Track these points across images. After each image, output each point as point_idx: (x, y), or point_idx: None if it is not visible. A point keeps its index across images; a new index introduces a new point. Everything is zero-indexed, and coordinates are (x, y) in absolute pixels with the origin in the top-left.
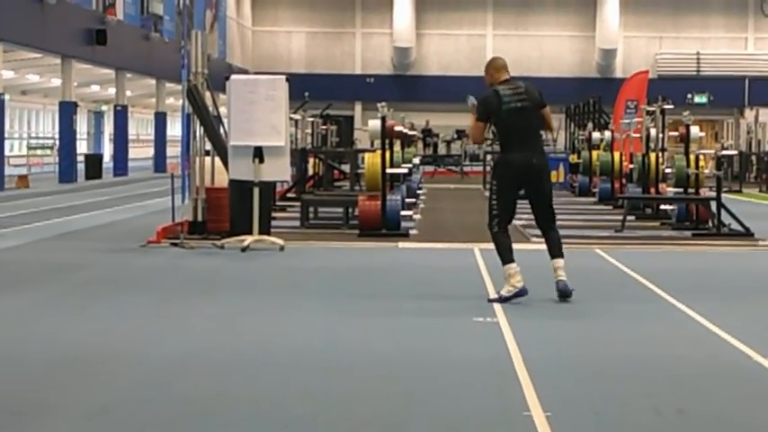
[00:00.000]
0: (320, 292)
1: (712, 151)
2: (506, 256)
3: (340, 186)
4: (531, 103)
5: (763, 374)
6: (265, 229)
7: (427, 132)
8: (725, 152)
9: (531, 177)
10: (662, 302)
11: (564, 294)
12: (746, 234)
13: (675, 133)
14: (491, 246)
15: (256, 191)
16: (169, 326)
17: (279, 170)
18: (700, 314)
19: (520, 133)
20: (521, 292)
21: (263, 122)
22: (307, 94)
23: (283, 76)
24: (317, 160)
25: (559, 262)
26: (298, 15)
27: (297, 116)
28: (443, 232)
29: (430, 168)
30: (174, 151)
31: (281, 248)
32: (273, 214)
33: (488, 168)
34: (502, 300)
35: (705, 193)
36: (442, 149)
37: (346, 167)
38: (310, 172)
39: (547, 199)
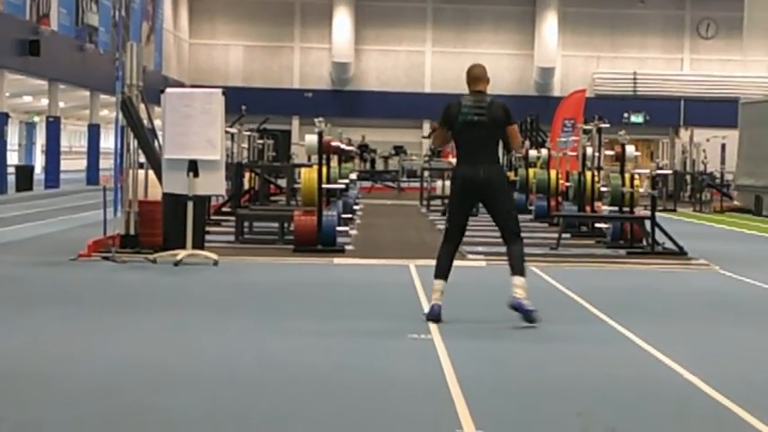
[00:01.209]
0: (253, 307)
1: (647, 170)
2: (437, 269)
3: (276, 201)
4: (489, 119)
5: (693, 392)
6: (199, 244)
7: (365, 148)
8: (660, 171)
9: (481, 191)
10: (595, 321)
11: (524, 315)
12: (680, 253)
13: (611, 152)
14: (427, 262)
15: (190, 205)
16: (98, 341)
17: (214, 184)
18: (632, 333)
19: (471, 147)
20: (431, 311)
21: (199, 136)
22: (244, 107)
23: (219, 90)
24: (253, 175)
25: (516, 280)
26: (235, 29)
27: (233, 130)
28: (379, 248)
29: (367, 184)
30: (107, 164)
31: (215, 263)
32: (208, 229)
33: (425, 185)
34: (426, 318)
35: (640, 211)
36: (379, 165)
37: (283, 182)
38: (246, 186)
39: (501, 208)
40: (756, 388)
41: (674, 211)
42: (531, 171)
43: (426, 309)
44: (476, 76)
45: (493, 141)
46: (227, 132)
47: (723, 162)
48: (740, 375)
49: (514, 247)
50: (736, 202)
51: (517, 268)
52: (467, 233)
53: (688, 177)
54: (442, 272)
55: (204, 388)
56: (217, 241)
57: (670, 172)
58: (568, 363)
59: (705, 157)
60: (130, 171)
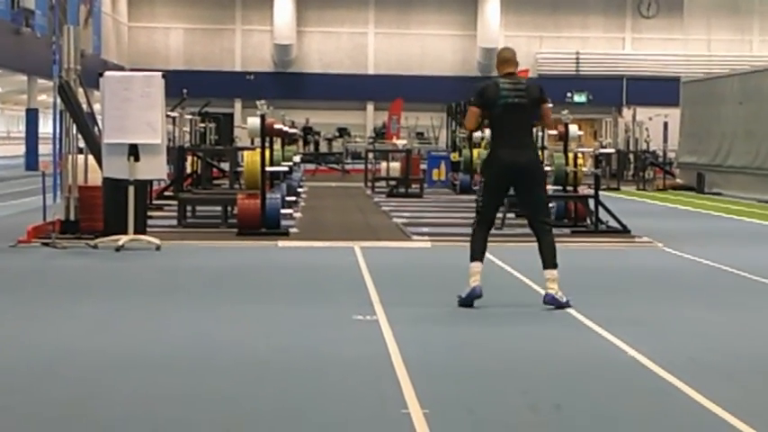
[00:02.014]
0: (196, 292)
1: (591, 149)
2: (472, 253)
3: (219, 185)
4: (529, 100)
5: (636, 368)
6: (141, 229)
7: (308, 130)
8: (603, 150)
9: (518, 176)
10: (540, 300)
11: (558, 307)
12: (623, 231)
13: (554, 132)
14: (372, 244)
15: (131, 189)
16: (38, 327)
17: (155, 168)
18: (577, 311)
19: (511, 130)
20: (471, 293)
21: (139, 120)
22: (185, 91)
23: (159, 73)
24: (195, 158)
25: (550, 273)
26: (175, 11)
27: (174, 113)
28: (324, 231)
29: (311, 166)
30: (46, 149)
31: (158, 248)
32: (150, 213)
33: (370, 166)
34: (461, 302)
35: (583, 190)
36: (323, 147)
37: (226, 166)
38: (188, 170)
39: (535, 199)
40: (698, 363)
41: (618, 189)
42: (475, 151)
43: (464, 292)
44: (505, 58)
45: (531, 125)
46: (168, 116)
47: (665, 140)
48: (683, 351)
49: (546, 238)
50: (678, 180)
51: (549, 261)
52: (410, 214)
53: (631, 156)
54: (479, 254)
55: (146, 372)
56: (159, 226)
57: (613, 151)
58: (513, 342)
59: (648, 136)
60: (70, 156)
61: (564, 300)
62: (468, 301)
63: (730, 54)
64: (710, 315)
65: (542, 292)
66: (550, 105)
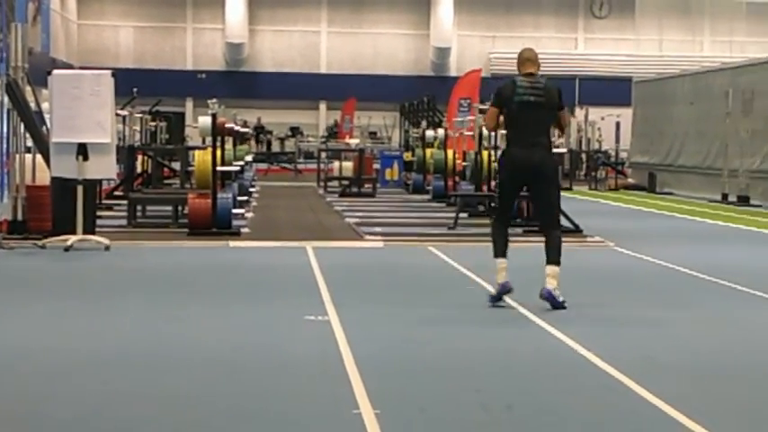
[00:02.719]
0: (147, 292)
1: None
2: (495, 249)
3: (170, 184)
4: (546, 100)
5: (587, 367)
6: (90, 229)
7: (260, 129)
8: (556, 150)
9: (531, 174)
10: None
11: (552, 305)
12: (576, 230)
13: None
14: (324, 243)
15: (80, 189)
16: None
17: (104, 168)
18: (528, 310)
19: (526, 128)
20: (502, 289)
21: (88, 119)
22: (135, 89)
23: (109, 71)
24: (145, 158)
25: (551, 269)
26: (125, 9)
27: (124, 112)
28: (276, 231)
29: (263, 166)
30: None
31: (107, 248)
32: (99, 213)
33: (323, 166)
34: (492, 299)
35: None
36: (275, 147)
37: (176, 165)
38: (139, 170)
39: (546, 198)
40: (649, 361)
41: (570, 189)
42: (428, 151)
43: (494, 289)
44: (526, 58)
45: (547, 124)
46: (117, 115)
47: (618, 140)
48: (633, 350)
49: (552, 234)
50: (630, 180)
51: (552, 257)
52: (363, 214)
53: (583, 156)
54: (502, 251)
55: (98, 372)
56: (109, 226)
57: (565, 150)
58: (466, 341)
59: (600, 136)
60: (17, 155)
61: (560, 299)
62: (498, 298)
63: (681, 54)
64: (661, 314)
65: (492, 290)
66: (566, 109)
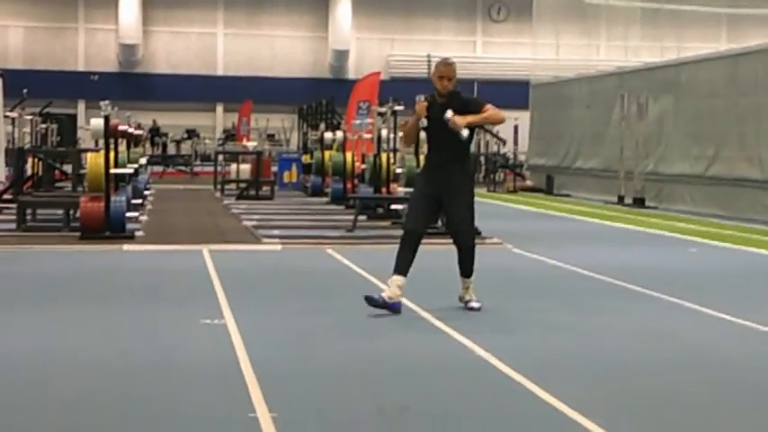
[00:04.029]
0: (37, 297)
1: None
2: (395, 263)
3: (62, 187)
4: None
5: (485, 368)
6: None
7: (156, 132)
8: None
9: (440, 186)
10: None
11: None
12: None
13: (402, 133)
14: (221, 247)
15: None
16: None
17: None
18: (426, 311)
19: (439, 141)
20: (391, 305)
21: None
22: (25, 90)
23: None
24: (36, 160)
25: (466, 281)
26: (15, 9)
27: (14, 114)
28: (171, 234)
29: (159, 169)
30: None
31: None
32: None
33: (219, 168)
34: (370, 301)
35: None
36: (171, 149)
37: (69, 168)
38: (29, 172)
39: (455, 211)
40: (546, 362)
41: None
42: (326, 153)
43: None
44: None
45: (460, 136)
46: (6, 117)
47: (516, 143)
48: (531, 351)
49: (465, 249)
50: (528, 182)
51: (466, 271)
52: (261, 216)
53: (482, 158)
54: (401, 265)
55: None
56: None
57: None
58: (364, 344)
59: (498, 139)
60: None
61: (474, 305)
62: (378, 305)
63: (578, 58)
64: (559, 315)
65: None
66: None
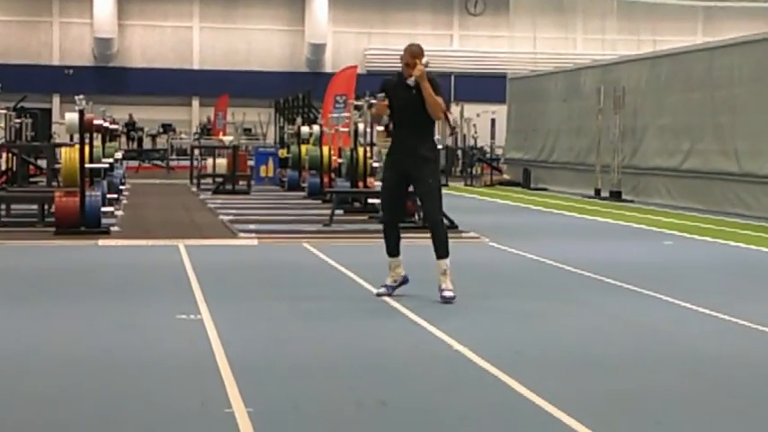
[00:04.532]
0: (12, 293)
1: None
2: (386, 249)
3: (36, 182)
4: (419, 93)
5: (462, 362)
6: None
7: (131, 126)
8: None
9: (408, 168)
10: (368, 296)
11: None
12: (451, 227)
13: (382, 128)
14: (197, 242)
15: None
16: None
17: None
18: (404, 306)
19: (404, 122)
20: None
21: None
22: None
23: None
24: (10, 155)
25: (440, 264)
26: None
27: None
28: (147, 229)
29: (135, 163)
30: None
31: None
32: None
33: (195, 163)
34: (387, 289)
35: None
36: (147, 144)
37: (43, 163)
38: (3, 167)
39: (424, 193)
40: (523, 356)
41: (446, 185)
42: (303, 148)
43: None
44: (410, 52)
45: (424, 116)
46: None
47: (493, 137)
48: (508, 345)
49: (436, 230)
50: (505, 176)
51: (440, 251)
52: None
53: (459, 152)
54: (391, 248)
55: None
56: None
57: (441, 147)
58: (340, 338)
59: (475, 132)
60: None
61: (447, 295)
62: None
63: (555, 52)
64: (535, 308)
65: (372, 288)
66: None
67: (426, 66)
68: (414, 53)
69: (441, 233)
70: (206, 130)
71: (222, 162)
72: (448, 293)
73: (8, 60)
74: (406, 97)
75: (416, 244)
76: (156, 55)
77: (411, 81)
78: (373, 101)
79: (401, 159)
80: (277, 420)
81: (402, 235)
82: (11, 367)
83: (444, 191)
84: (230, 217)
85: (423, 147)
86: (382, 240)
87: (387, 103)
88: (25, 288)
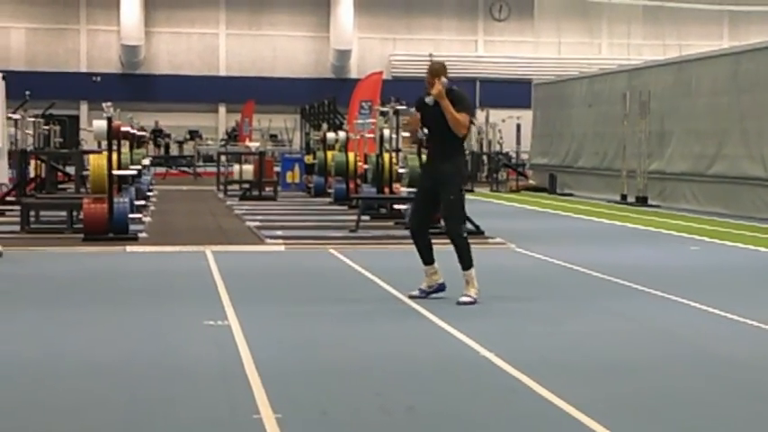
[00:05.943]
0: (41, 299)
1: None
2: (420, 256)
3: (64, 189)
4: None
5: (488, 368)
6: None
7: (158, 133)
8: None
9: (432, 182)
10: (394, 301)
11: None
12: (477, 232)
13: (408, 134)
14: (224, 248)
15: None
16: None
17: None
18: (430, 312)
19: (432, 138)
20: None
21: None
22: (27, 92)
23: (0, 74)
24: (39, 162)
25: (464, 274)
26: (16, 10)
27: (16, 116)
28: (175, 235)
29: (162, 170)
30: None
31: None
32: None
33: (222, 169)
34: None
35: None
36: (174, 150)
37: (72, 169)
38: (32, 174)
39: (445, 208)
40: (550, 362)
41: (472, 191)
42: (329, 154)
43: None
44: (432, 69)
45: (448, 132)
46: (9, 118)
47: (518, 142)
48: (535, 351)
49: (456, 241)
50: (531, 181)
51: (463, 263)
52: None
53: (485, 158)
54: (424, 255)
55: None
56: (1, 232)
57: (467, 152)
58: (367, 343)
59: (501, 138)
60: None
61: (467, 300)
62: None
63: (580, 57)
64: (561, 314)
65: (398, 294)
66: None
67: (445, 85)
68: (433, 71)
69: (461, 246)
70: (232, 136)
71: (249, 168)
72: (463, 298)
73: (36, 68)
74: (432, 115)
75: (445, 249)
76: (183, 62)
77: (429, 100)
78: (399, 107)
79: (428, 171)
80: (305, 426)
81: (433, 240)
82: (39, 373)
83: (470, 196)
84: (257, 223)
85: (446, 163)
86: (408, 246)
87: (419, 117)
88: (54, 294)
